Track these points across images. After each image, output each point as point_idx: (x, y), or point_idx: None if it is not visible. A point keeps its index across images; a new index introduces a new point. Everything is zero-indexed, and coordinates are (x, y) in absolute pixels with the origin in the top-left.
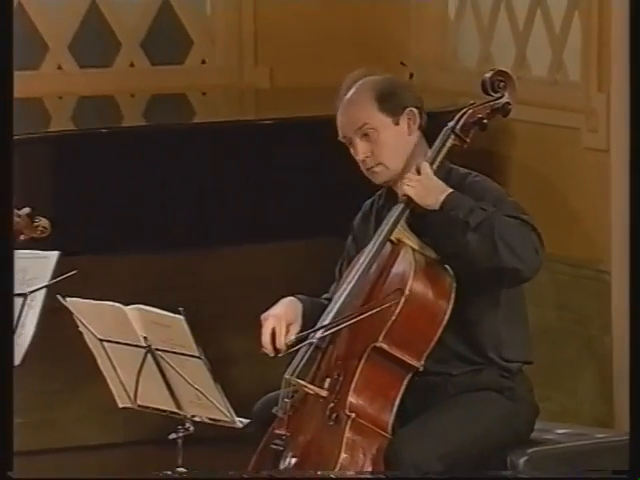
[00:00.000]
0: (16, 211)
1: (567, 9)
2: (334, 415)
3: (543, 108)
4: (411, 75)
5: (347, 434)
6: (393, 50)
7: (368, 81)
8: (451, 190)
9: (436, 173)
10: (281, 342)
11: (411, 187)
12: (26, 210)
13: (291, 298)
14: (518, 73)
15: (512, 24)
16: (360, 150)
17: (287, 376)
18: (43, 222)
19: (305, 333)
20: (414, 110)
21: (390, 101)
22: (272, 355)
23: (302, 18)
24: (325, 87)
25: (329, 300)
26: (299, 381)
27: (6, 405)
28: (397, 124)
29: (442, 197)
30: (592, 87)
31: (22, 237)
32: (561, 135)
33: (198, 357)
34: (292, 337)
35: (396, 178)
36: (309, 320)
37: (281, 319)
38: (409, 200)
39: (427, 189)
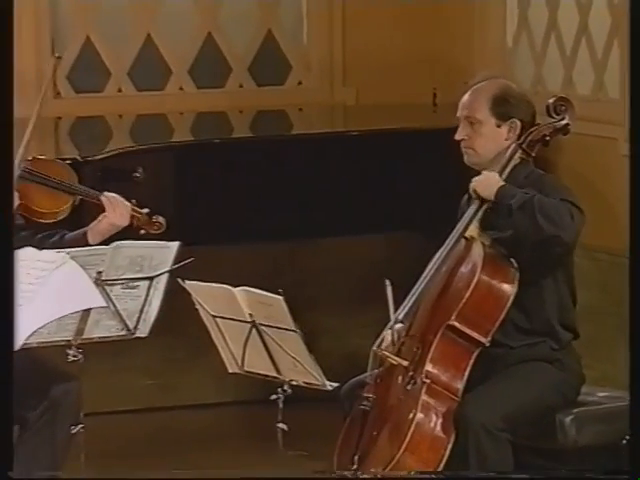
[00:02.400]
0: (137, 209)
1: (608, 37)
2: (412, 381)
3: (587, 121)
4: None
5: (423, 397)
6: (460, 72)
7: (494, 82)
8: (504, 183)
9: (518, 171)
10: None
11: (476, 183)
12: (145, 210)
13: None
14: (565, 92)
15: (560, 50)
16: (461, 131)
17: (374, 348)
18: (160, 219)
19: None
20: (517, 122)
21: (501, 107)
22: None
23: (383, 46)
24: (401, 104)
25: None
26: (385, 353)
27: (6, 406)
28: (499, 127)
29: (495, 189)
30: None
31: (142, 232)
32: (602, 144)
33: (295, 331)
34: None
35: (483, 165)
36: None
37: None
38: (475, 193)
39: (486, 184)
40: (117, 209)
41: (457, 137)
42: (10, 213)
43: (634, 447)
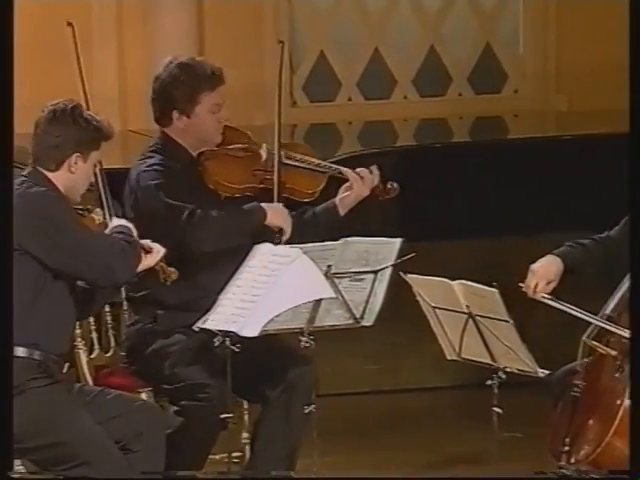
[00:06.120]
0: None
1: None
2: (621, 369)
3: None
4: None
5: None
6: None
7: None
8: None
9: None
10: (537, 295)
11: None
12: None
13: (555, 258)
14: None
15: None
16: None
17: (584, 339)
18: (395, 185)
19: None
20: None
21: None
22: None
23: (595, 55)
24: (611, 109)
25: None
26: (594, 343)
27: (6, 408)
28: None
29: None
30: None
31: (380, 198)
32: None
33: (508, 321)
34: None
35: None
36: (576, 268)
37: (543, 277)
38: None
39: None
40: (360, 182)
41: None
42: (9, 213)
43: (634, 447)
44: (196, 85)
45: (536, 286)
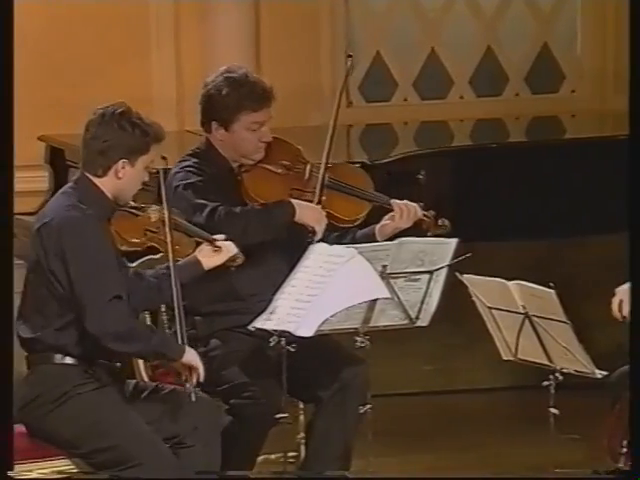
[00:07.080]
0: (426, 213)
1: None
2: None
3: None
4: None
5: None
6: None
7: None
8: None
9: None
10: (624, 313)
11: None
12: (432, 213)
13: None
14: None
15: None
16: None
17: None
18: (446, 222)
19: None
20: None
21: None
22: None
23: None
24: None
25: None
26: None
27: (6, 408)
28: None
29: None
30: None
31: (429, 234)
32: None
33: (565, 322)
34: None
35: None
36: None
37: (625, 294)
38: None
39: None
40: (404, 215)
41: None
42: (10, 216)
43: (634, 447)
44: (238, 103)
45: (620, 304)
